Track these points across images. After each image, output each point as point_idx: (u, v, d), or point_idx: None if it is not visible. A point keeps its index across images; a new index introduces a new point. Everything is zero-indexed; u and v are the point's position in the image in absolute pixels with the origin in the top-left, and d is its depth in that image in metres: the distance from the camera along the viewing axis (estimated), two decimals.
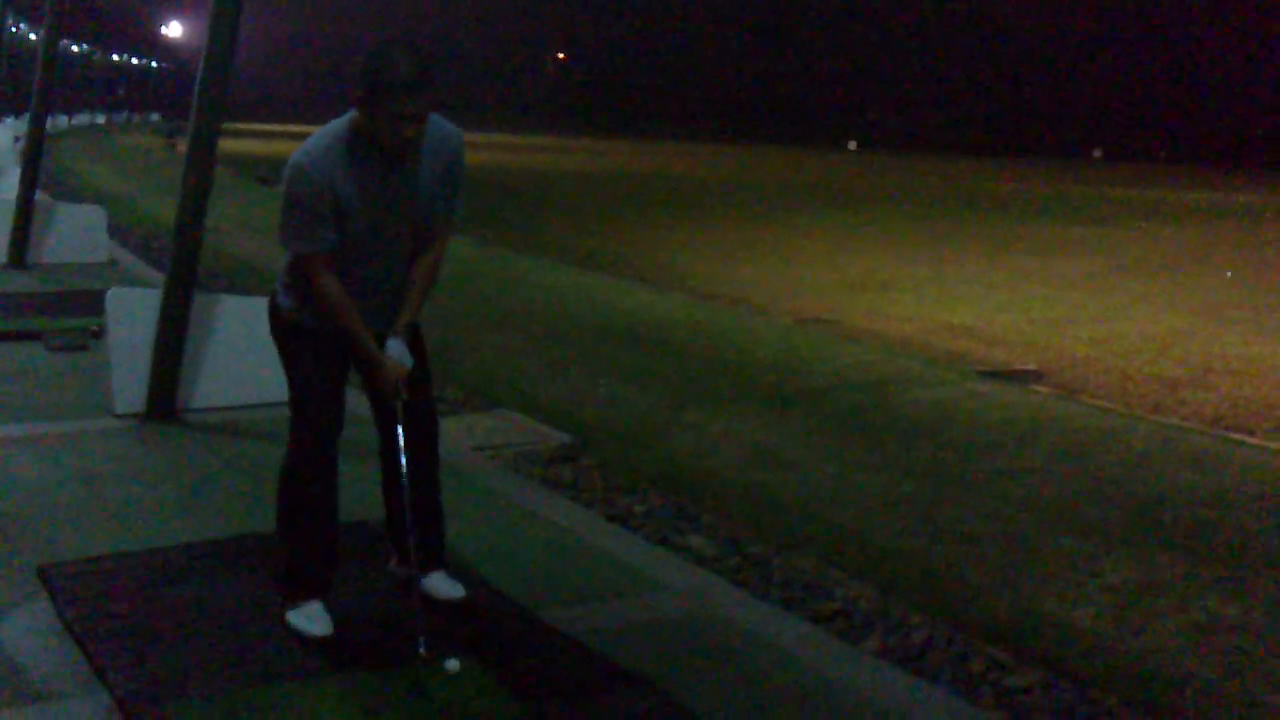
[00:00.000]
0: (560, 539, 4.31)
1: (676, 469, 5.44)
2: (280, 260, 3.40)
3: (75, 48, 50.48)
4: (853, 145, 66.58)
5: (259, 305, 6.16)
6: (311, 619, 3.36)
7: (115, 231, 12.35)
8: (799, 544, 4.55)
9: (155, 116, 72.47)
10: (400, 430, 3.40)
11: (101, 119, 59.18)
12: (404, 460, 3.41)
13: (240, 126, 50.33)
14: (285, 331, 3.40)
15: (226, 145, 6.51)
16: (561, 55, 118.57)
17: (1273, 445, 6.42)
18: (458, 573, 3.70)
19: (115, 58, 68.46)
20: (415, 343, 3.45)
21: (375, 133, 3.11)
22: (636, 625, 3.59)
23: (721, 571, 4.23)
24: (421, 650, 3.17)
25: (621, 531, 4.54)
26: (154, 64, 79.67)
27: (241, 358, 5.79)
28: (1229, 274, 14.50)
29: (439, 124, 3.28)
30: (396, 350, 3.32)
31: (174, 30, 68.97)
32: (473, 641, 3.38)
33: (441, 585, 3.59)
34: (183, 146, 5.97)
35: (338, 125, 3.20)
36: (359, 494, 3.78)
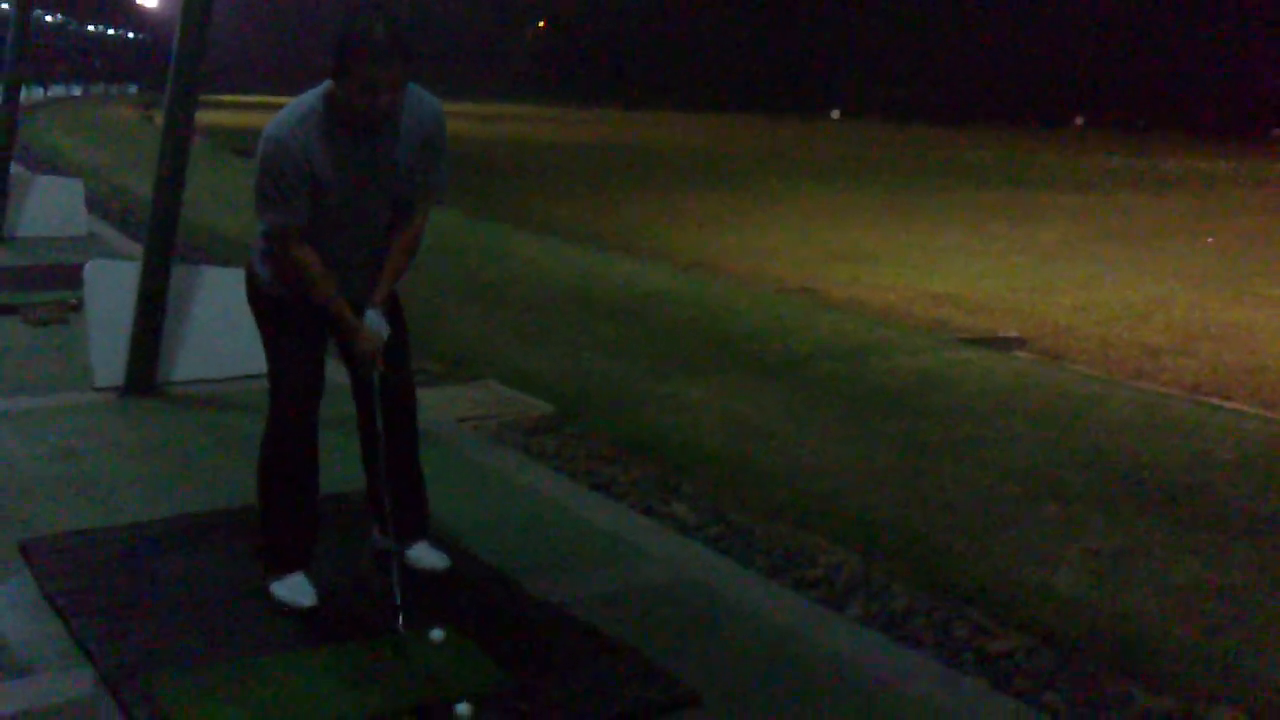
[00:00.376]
0: (543, 509, 4.32)
1: (659, 438, 5.44)
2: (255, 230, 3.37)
3: (49, 18, 49.85)
4: (835, 114, 66.52)
5: (238, 276, 6.10)
6: (296, 590, 3.35)
7: (94, 204, 12.23)
8: (781, 512, 4.57)
9: (133, 88, 71.67)
10: (378, 402, 3.39)
11: (78, 90, 58.53)
12: (381, 431, 3.40)
13: (217, 98, 49.89)
14: (262, 302, 3.37)
15: (204, 116, 6.45)
16: (542, 23, 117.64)
17: (1252, 410, 6.47)
18: (441, 543, 3.70)
19: (91, 28, 67.63)
20: (394, 314, 3.43)
21: (349, 102, 3.06)
22: (620, 593, 3.60)
23: (704, 540, 4.24)
24: (400, 626, 3.16)
25: (604, 501, 4.54)
26: (131, 35, 78.75)
27: (221, 330, 5.75)
28: (1210, 240, 14.57)
29: (418, 96, 3.23)
30: (374, 321, 3.29)
31: (149, 1, 68.10)
32: (457, 611, 3.38)
33: (425, 555, 3.59)
34: (159, 118, 5.89)
35: (312, 96, 3.15)
36: (340, 465, 3.77)
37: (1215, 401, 6.66)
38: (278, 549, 3.41)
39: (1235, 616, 3.79)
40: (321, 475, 3.50)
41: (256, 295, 3.39)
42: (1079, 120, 67.74)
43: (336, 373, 3.58)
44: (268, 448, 3.39)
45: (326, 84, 3.12)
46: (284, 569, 3.39)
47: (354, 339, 3.28)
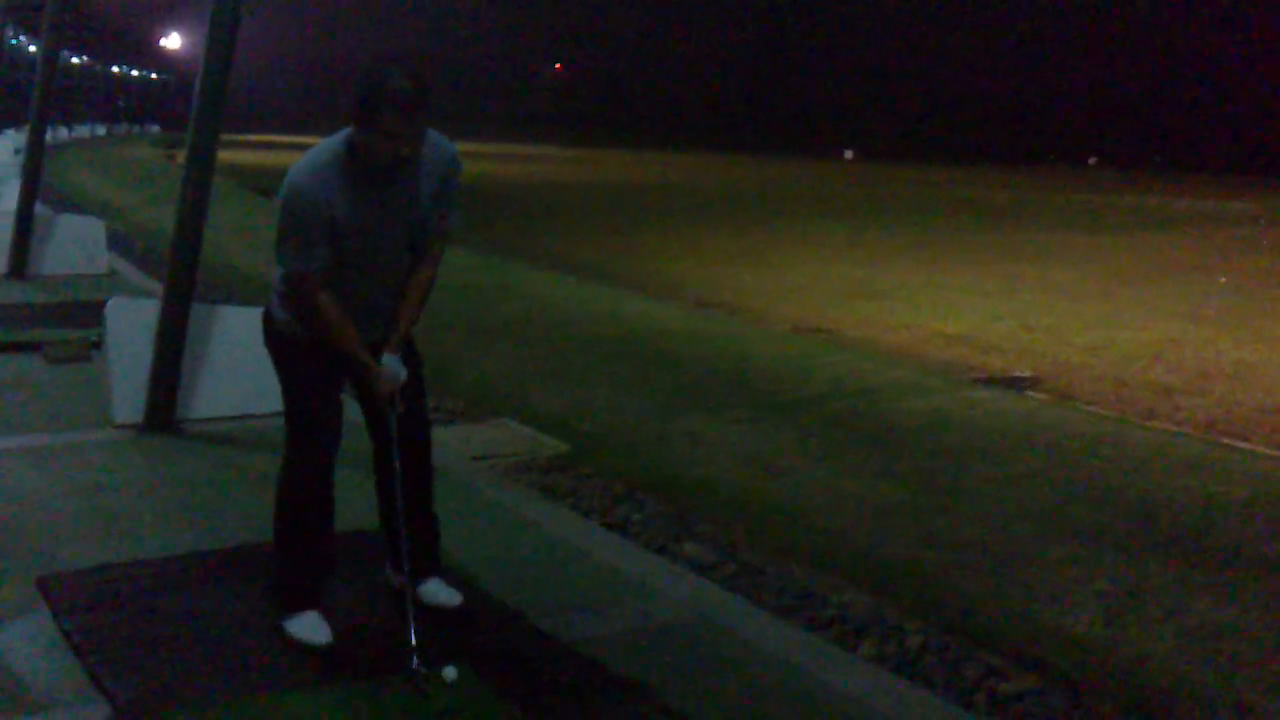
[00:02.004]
0: (558, 547, 4.34)
1: (673, 477, 5.47)
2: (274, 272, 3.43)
3: (75, 60, 50.62)
4: (849, 154, 66.77)
5: (257, 316, 6.18)
6: (310, 628, 3.38)
7: (115, 243, 12.38)
8: (794, 551, 4.58)
9: (155, 128, 72.55)
10: (394, 440, 3.43)
11: (102, 131, 59.28)
12: (398, 469, 3.44)
13: (239, 138, 50.45)
14: (280, 344, 3.42)
15: (225, 156, 6.55)
16: (559, 66, 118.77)
17: (1267, 451, 6.45)
18: (455, 581, 3.72)
19: (115, 70, 68.61)
20: (409, 355, 3.48)
21: (371, 150, 3.12)
22: (633, 633, 3.61)
23: (718, 579, 4.26)
24: (414, 664, 3.18)
25: (618, 540, 4.56)
26: (154, 76, 79.82)
27: (240, 368, 5.81)
28: (1222, 280, 14.55)
29: (435, 140, 3.29)
30: (392, 365, 3.35)
31: (173, 42, 69.12)
32: (470, 650, 3.40)
33: (439, 593, 3.62)
34: (181, 158, 6.00)
35: (333, 142, 3.22)
36: (356, 503, 3.81)
37: (1229, 441, 6.63)
38: (292, 587, 3.44)
39: (1249, 658, 3.77)
40: (338, 512, 3.53)
41: (275, 337, 3.44)
42: (1092, 160, 67.84)
43: (351, 409, 3.63)
44: (284, 487, 3.43)
45: (347, 130, 3.18)
46: (298, 607, 3.41)
47: (372, 382, 3.32)
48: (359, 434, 3.64)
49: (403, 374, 3.37)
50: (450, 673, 3.20)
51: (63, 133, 44.88)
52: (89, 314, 7.55)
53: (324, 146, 3.23)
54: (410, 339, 3.50)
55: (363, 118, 3.08)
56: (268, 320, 3.45)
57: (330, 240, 3.19)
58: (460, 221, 3.45)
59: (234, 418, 5.78)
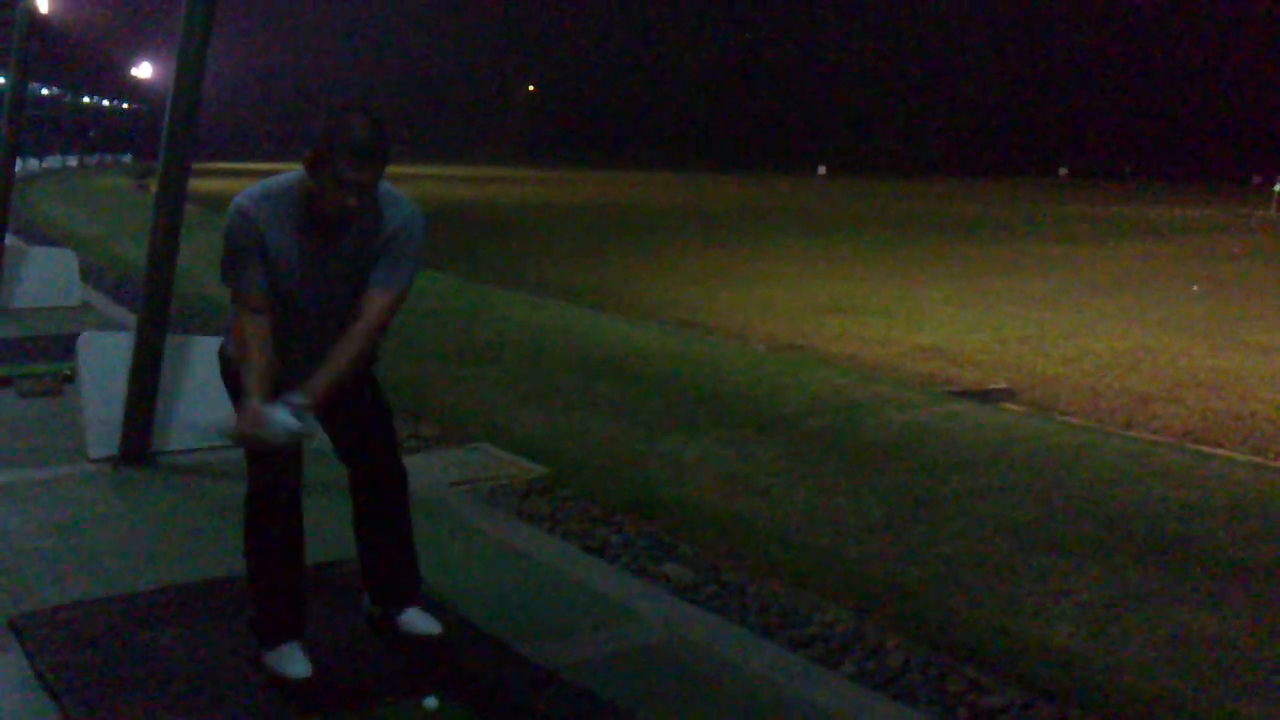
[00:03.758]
0: (537, 572, 4.32)
1: (653, 498, 5.45)
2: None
3: (45, 90, 50.37)
4: (822, 170, 67.17)
5: None
6: (288, 660, 3.34)
7: (88, 274, 12.30)
8: (775, 570, 4.57)
9: (126, 157, 72.23)
10: (356, 472, 3.44)
11: (73, 161, 58.98)
12: (363, 502, 3.43)
13: (211, 166, 50.27)
14: (232, 377, 3.36)
15: (198, 185, 6.51)
16: (532, 88, 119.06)
17: (1242, 457, 6.50)
18: (434, 608, 3.69)
19: (86, 100, 68.32)
20: (362, 393, 3.43)
21: (320, 195, 3.07)
22: (615, 657, 3.59)
23: (699, 600, 4.25)
24: (394, 694, 3.16)
25: (598, 562, 4.54)
26: (125, 105, 79.54)
27: (215, 399, 5.70)
28: (1196, 288, 14.70)
29: (393, 199, 3.22)
30: (275, 413, 3.09)
31: (144, 71, 68.87)
32: (451, 677, 3.37)
33: (418, 621, 3.59)
34: (154, 187, 5.96)
35: (288, 178, 3.18)
36: (334, 531, 3.77)
37: (1206, 449, 6.69)
38: (268, 619, 3.40)
39: (1231, 667, 3.79)
40: (316, 541, 3.50)
41: (227, 371, 3.39)
42: (1063, 171, 68.51)
43: (326, 439, 3.60)
44: (249, 517, 3.39)
45: (301, 171, 3.16)
46: (275, 639, 3.38)
47: (241, 416, 3.16)
48: (337, 462, 3.61)
49: (289, 426, 3.08)
50: (431, 702, 3.18)
51: (33, 164, 44.61)
52: (61, 347, 7.48)
53: (279, 179, 3.20)
54: (371, 380, 3.46)
55: (316, 161, 3.03)
56: (221, 354, 3.41)
57: (261, 268, 3.13)
58: (409, 280, 3.29)
59: (210, 449, 5.73)
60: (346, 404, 3.37)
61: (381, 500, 3.44)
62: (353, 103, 3.17)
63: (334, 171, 3.00)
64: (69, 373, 6.86)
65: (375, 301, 3.21)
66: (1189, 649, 3.90)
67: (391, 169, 3.19)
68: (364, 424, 3.43)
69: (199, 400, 5.75)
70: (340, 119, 3.02)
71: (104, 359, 5.61)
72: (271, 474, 3.34)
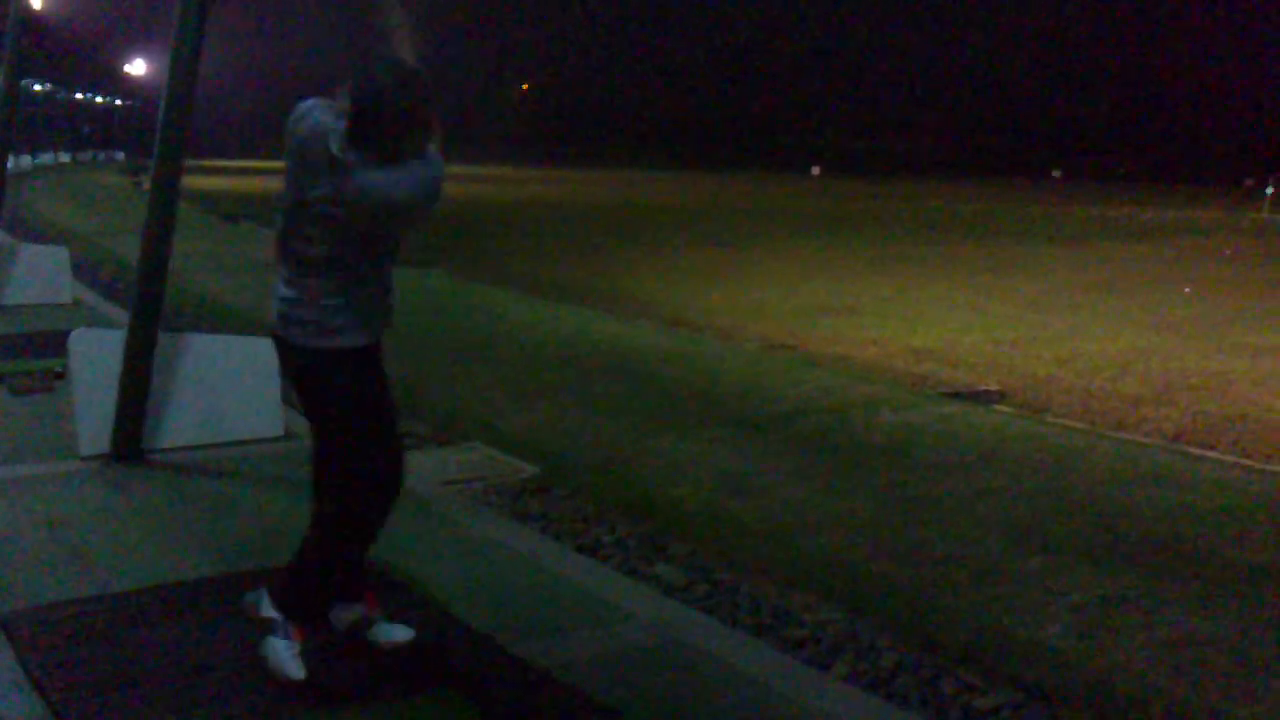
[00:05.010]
0: (530, 572, 4.31)
1: (645, 497, 5.45)
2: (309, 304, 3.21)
3: (38, 86, 50.19)
4: (816, 170, 67.20)
5: (224, 343, 6.18)
6: (294, 659, 3.32)
7: (80, 271, 12.25)
8: (768, 570, 4.57)
9: (120, 154, 71.99)
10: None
11: (66, 158, 58.77)
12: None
13: (205, 163, 50.15)
14: (348, 364, 3.22)
15: (191, 182, 6.50)
16: (526, 86, 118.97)
17: (1233, 459, 6.52)
18: (429, 609, 3.69)
19: (79, 96, 68.09)
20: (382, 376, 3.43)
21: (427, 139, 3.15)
22: (607, 657, 3.59)
23: (690, 600, 4.25)
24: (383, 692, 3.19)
25: (591, 562, 4.54)
26: (119, 101, 79.30)
27: (207, 396, 5.76)
28: (1187, 290, 14.73)
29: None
30: None
31: (137, 68, 68.66)
32: (443, 676, 3.37)
33: (392, 631, 3.54)
34: (147, 184, 5.95)
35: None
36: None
37: (1197, 451, 6.70)
38: (316, 601, 3.40)
39: (1222, 667, 3.80)
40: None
41: (340, 361, 3.21)
42: (1056, 172, 68.66)
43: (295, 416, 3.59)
44: (360, 502, 3.31)
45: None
46: (309, 620, 3.37)
47: None
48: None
49: None
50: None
51: (25, 160, 44.45)
52: (53, 344, 7.46)
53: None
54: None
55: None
56: (318, 350, 3.19)
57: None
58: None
59: (202, 447, 5.72)
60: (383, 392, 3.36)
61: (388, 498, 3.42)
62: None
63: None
64: (60, 370, 6.84)
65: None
66: (1181, 650, 3.91)
67: None
68: (389, 412, 3.41)
69: (191, 398, 5.75)
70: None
71: (96, 356, 5.59)
72: (392, 462, 3.33)
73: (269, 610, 3.33)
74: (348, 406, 3.27)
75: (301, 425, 6.11)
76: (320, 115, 3.13)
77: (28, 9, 10.37)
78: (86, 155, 65.37)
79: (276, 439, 5.88)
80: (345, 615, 3.55)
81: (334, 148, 3.04)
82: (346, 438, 3.30)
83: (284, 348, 3.30)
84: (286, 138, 3.19)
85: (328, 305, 3.17)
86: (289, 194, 3.18)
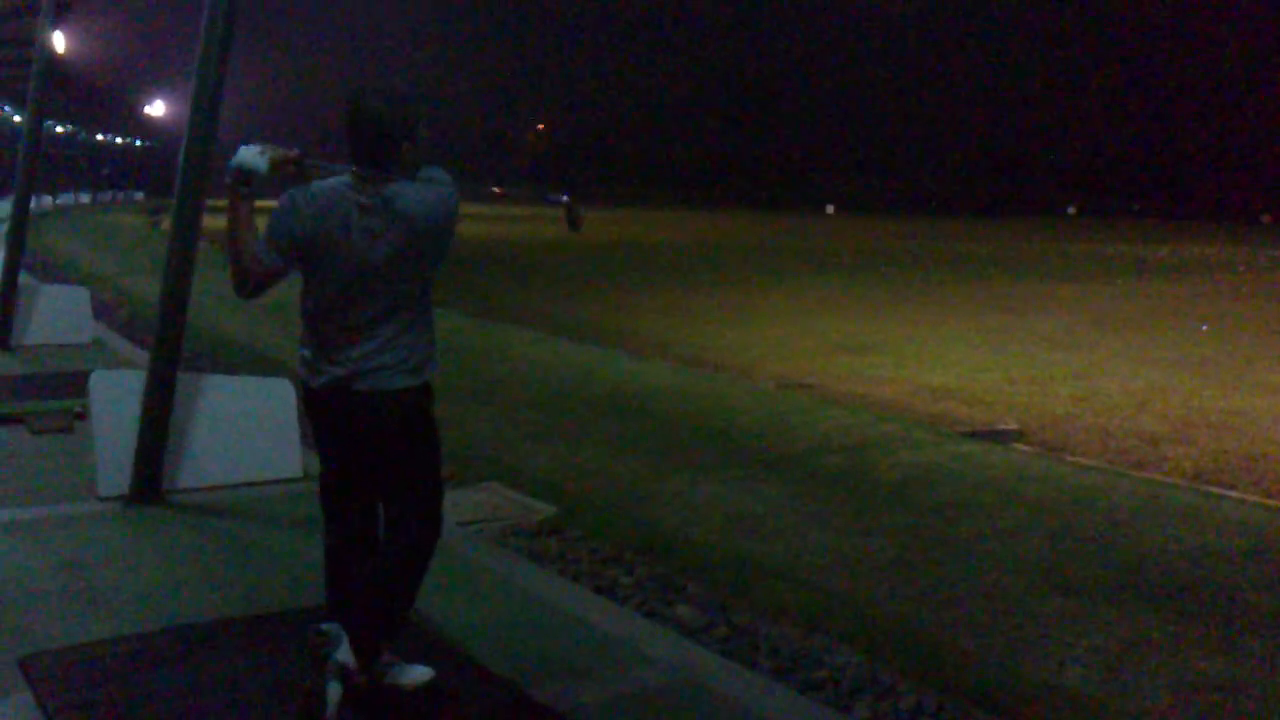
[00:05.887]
0: (547, 613, 4.30)
1: (662, 538, 5.44)
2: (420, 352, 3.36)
3: (60, 128, 50.85)
4: (830, 209, 67.36)
5: (243, 384, 6.22)
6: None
7: (100, 311, 12.37)
8: (786, 611, 4.55)
9: (140, 195, 72.76)
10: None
11: (86, 198, 59.42)
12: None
13: (222, 203, 50.59)
14: (432, 400, 3.42)
15: (211, 222, 6.55)
16: (541, 126, 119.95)
17: (1254, 499, 6.46)
18: (446, 650, 3.68)
19: (100, 137, 68.93)
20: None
21: (418, 157, 3.26)
22: (625, 699, 3.57)
23: (709, 642, 4.23)
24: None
25: (608, 604, 4.53)
26: (138, 142, 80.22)
27: (226, 437, 5.79)
28: (1205, 328, 14.67)
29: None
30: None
31: (157, 109, 69.56)
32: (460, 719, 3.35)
33: (412, 672, 3.54)
34: (167, 224, 6.01)
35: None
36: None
37: (1217, 490, 6.65)
38: (397, 625, 3.46)
39: (1245, 712, 3.75)
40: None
41: (426, 409, 3.41)
42: (1071, 209, 68.65)
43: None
44: (429, 549, 3.43)
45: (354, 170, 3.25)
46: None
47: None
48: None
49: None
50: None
51: (46, 201, 44.96)
52: (74, 384, 7.52)
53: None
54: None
55: (416, 123, 3.27)
56: (418, 400, 3.38)
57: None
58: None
59: (221, 487, 5.74)
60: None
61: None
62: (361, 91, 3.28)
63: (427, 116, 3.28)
64: (81, 410, 6.89)
65: None
66: (1203, 694, 3.86)
67: None
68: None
69: (210, 438, 5.77)
70: (389, 88, 3.29)
71: (116, 396, 5.63)
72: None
73: (347, 655, 3.32)
74: (436, 440, 3.44)
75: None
76: (309, 194, 3.29)
77: (51, 53, 10.55)
78: (106, 195, 66.06)
79: (295, 479, 5.90)
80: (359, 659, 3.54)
81: (359, 198, 3.23)
82: (431, 470, 3.45)
83: (352, 401, 3.32)
84: (285, 244, 3.29)
85: (407, 343, 3.31)
86: (343, 269, 3.25)
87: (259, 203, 3.35)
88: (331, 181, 3.28)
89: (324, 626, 3.28)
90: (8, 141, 30.38)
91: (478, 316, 14.24)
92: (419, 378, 3.34)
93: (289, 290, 3.47)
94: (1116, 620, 4.47)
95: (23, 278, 11.06)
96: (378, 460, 3.41)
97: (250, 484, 5.78)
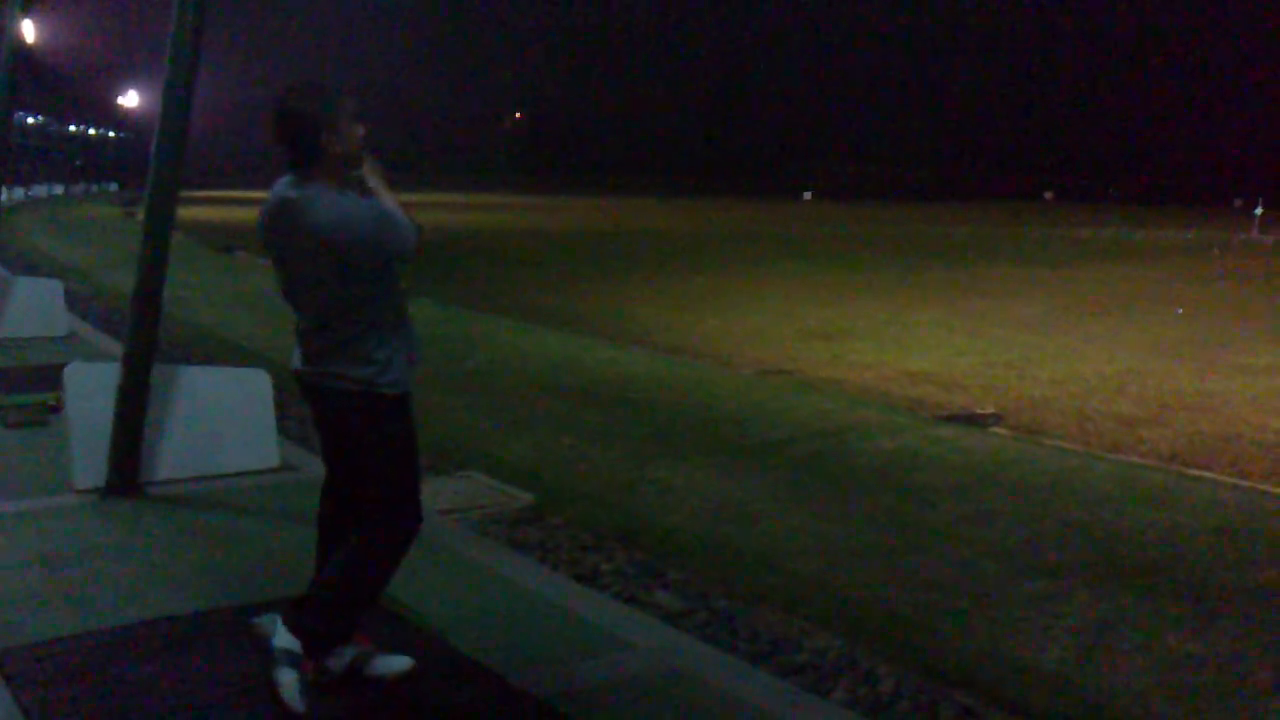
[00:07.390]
0: (527, 601, 4.30)
1: (642, 525, 5.45)
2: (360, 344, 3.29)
3: (31, 119, 50.32)
4: (808, 195, 67.42)
5: (219, 375, 6.18)
6: (300, 692, 3.28)
7: (75, 304, 12.26)
8: (766, 597, 4.57)
9: (114, 186, 72.07)
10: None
11: (59, 190, 58.82)
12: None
13: (198, 194, 50.23)
14: (394, 412, 3.35)
15: (185, 213, 6.51)
16: (519, 114, 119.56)
17: (1229, 480, 6.52)
18: (426, 639, 3.68)
19: (72, 128, 68.24)
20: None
21: (346, 148, 3.25)
22: (606, 686, 3.58)
23: (689, 628, 4.23)
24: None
25: (589, 591, 4.53)
26: (111, 133, 79.48)
27: (202, 428, 5.76)
28: (1180, 311, 14.78)
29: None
30: None
31: (131, 100, 68.90)
32: (441, 708, 3.35)
33: (391, 662, 3.53)
34: (141, 215, 5.96)
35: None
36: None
37: (1192, 472, 6.71)
38: (337, 635, 3.41)
39: (1221, 690, 3.79)
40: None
41: (386, 407, 3.33)
42: (1048, 194, 69.02)
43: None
44: (399, 543, 3.38)
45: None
46: (325, 652, 3.39)
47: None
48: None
49: None
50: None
51: (18, 193, 44.49)
52: (48, 377, 7.45)
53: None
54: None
55: (333, 115, 3.25)
56: (374, 396, 3.30)
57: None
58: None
59: (198, 479, 5.71)
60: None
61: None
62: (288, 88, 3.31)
63: (348, 108, 3.28)
64: (55, 403, 6.83)
65: None
66: (1180, 673, 3.90)
67: None
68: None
69: (186, 430, 5.74)
70: (308, 84, 3.31)
71: (91, 389, 5.59)
72: (420, 506, 3.43)
73: (285, 640, 3.29)
74: (397, 449, 3.39)
75: (297, 457, 6.12)
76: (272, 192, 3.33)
77: (21, 42, 10.42)
78: (79, 187, 65.42)
79: (272, 470, 5.87)
80: (340, 658, 3.52)
81: (288, 194, 3.28)
82: (388, 476, 3.38)
83: (313, 391, 3.39)
84: (318, 240, 3.24)
85: (354, 354, 3.30)
86: (280, 269, 3.33)
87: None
88: (283, 179, 3.33)
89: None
90: None
91: (453, 306, 14.20)
92: (369, 386, 3.28)
93: (263, 280, 3.47)
94: (1094, 601, 4.51)
95: None
96: (337, 448, 3.49)
97: (227, 475, 5.75)
